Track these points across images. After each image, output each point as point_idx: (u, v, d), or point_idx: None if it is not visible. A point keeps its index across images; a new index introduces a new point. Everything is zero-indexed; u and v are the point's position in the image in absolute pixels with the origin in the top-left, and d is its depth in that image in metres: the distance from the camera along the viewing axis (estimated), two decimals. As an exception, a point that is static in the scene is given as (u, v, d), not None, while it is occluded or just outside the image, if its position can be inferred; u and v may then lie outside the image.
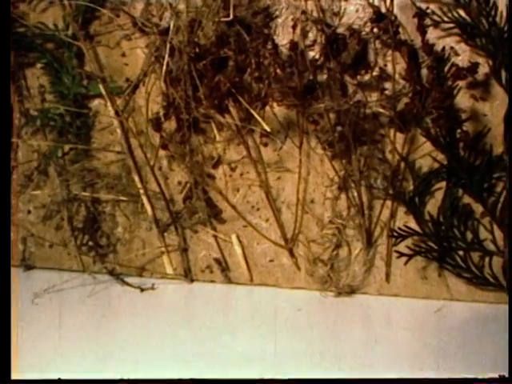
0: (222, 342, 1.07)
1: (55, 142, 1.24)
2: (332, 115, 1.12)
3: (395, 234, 1.13)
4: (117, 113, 1.21)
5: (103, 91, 1.21)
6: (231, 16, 1.07)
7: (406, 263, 1.14)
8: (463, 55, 1.09)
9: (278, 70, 1.08)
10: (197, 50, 1.09)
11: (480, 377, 0.91)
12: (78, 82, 1.22)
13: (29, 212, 1.30)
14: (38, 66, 1.25)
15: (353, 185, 1.15)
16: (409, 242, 1.14)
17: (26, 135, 1.27)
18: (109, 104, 1.22)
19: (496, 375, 0.91)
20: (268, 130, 1.11)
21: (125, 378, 0.92)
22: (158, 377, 0.94)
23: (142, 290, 1.23)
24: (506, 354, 0.98)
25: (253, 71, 1.09)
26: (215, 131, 1.19)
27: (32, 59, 1.24)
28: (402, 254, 1.13)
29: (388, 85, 1.11)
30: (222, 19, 1.08)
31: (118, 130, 1.23)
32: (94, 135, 1.26)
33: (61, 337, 1.08)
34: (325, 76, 1.12)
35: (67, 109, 1.22)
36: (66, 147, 1.25)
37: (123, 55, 1.21)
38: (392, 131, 1.12)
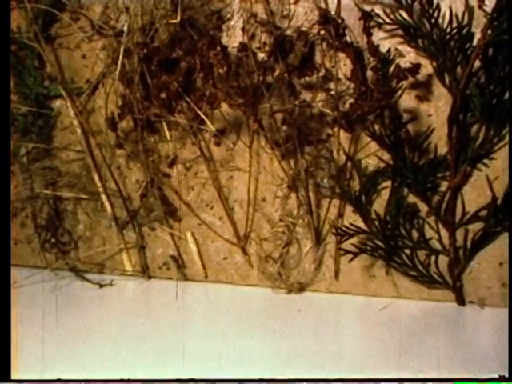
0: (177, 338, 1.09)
1: (18, 142, 1.27)
2: (279, 115, 1.14)
3: (340, 231, 1.14)
4: (76, 113, 1.24)
5: (63, 92, 1.24)
6: (178, 18, 1.10)
7: (350, 261, 1.15)
8: (408, 56, 1.10)
9: (221, 70, 1.10)
10: (145, 51, 1.11)
11: (480, 377, 0.92)
12: (40, 83, 1.25)
13: (-6, 210, 1.33)
14: (2, 67, 1.28)
15: (302, 184, 1.16)
16: (356, 240, 1.15)
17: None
18: (69, 104, 1.25)
19: (496, 375, 0.92)
20: (213, 129, 1.14)
21: (125, 378, 0.93)
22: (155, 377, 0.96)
23: (101, 285, 1.25)
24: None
25: (199, 72, 1.12)
26: (166, 131, 1.21)
27: (-5, 60, 1.27)
28: (346, 252, 1.14)
29: (334, 85, 1.13)
30: (170, 21, 1.11)
31: (78, 130, 1.25)
32: (55, 135, 1.29)
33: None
34: (272, 77, 1.14)
35: (29, 109, 1.25)
36: (29, 146, 1.28)
37: (83, 57, 1.24)
38: (338, 131, 1.13)
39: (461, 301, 1.15)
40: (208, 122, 1.13)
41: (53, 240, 1.31)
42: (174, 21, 1.10)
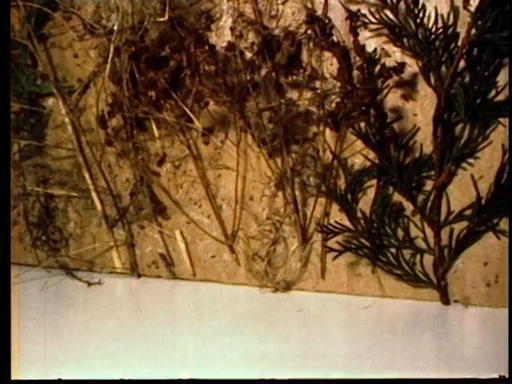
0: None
1: (11, 139, 1.28)
2: (266, 114, 1.15)
3: (325, 229, 1.15)
4: (68, 111, 1.25)
5: (55, 90, 1.25)
6: (166, 16, 1.11)
7: (334, 258, 1.16)
8: (394, 56, 1.11)
9: (208, 68, 1.11)
10: (133, 49, 1.13)
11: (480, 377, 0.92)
12: (32, 82, 1.27)
13: (-14, 207, 1.35)
14: (-5, 65, 1.29)
15: (288, 182, 1.17)
16: (341, 238, 1.16)
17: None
18: (61, 103, 1.26)
19: (496, 375, 0.92)
20: (200, 126, 1.15)
21: (125, 378, 0.93)
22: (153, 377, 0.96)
23: (90, 284, 1.26)
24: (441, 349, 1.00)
25: (185, 69, 1.13)
26: (154, 128, 1.22)
27: (-12, 59, 1.29)
28: (331, 250, 1.15)
29: (320, 84, 1.14)
30: (158, 19, 1.12)
31: (70, 128, 1.27)
32: (47, 133, 1.30)
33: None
34: (261, 75, 1.15)
35: (22, 107, 1.26)
36: (22, 144, 1.29)
37: (75, 56, 1.26)
38: (323, 129, 1.14)
39: (445, 300, 1.15)
40: (195, 120, 1.14)
41: (44, 237, 1.31)
42: (162, 19, 1.11)
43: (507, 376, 0.92)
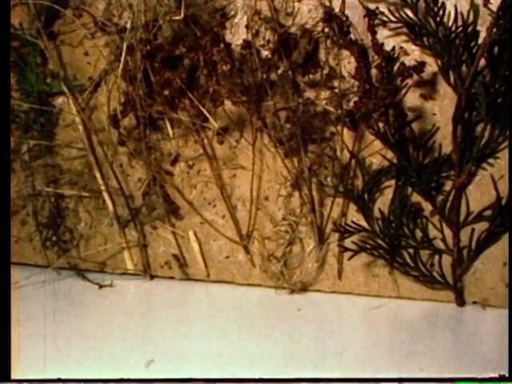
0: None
1: (20, 139, 1.26)
2: (284, 113, 1.14)
3: (341, 229, 1.14)
4: (78, 110, 1.23)
5: (65, 89, 1.23)
6: (182, 15, 1.09)
7: (350, 258, 1.15)
8: (413, 55, 1.10)
9: (225, 67, 1.09)
10: (148, 48, 1.11)
11: (480, 376, 0.92)
12: (42, 80, 1.24)
13: (-4, 207, 1.32)
14: (4, 64, 1.27)
15: (305, 182, 1.16)
16: (357, 238, 1.15)
17: (-9, 132, 1.29)
18: (71, 102, 1.24)
19: (496, 375, 0.92)
20: (216, 126, 1.13)
21: (125, 378, 0.93)
22: (146, 376, 0.96)
23: (101, 286, 1.25)
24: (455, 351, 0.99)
25: (202, 68, 1.11)
26: (169, 128, 1.20)
27: (-3, 57, 1.26)
28: (346, 249, 1.14)
29: (338, 83, 1.12)
30: (174, 18, 1.10)
31: (80, 127, 1.25)
32: (57, 132, 1.28)
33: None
34: (276, 74, 1.13)
35: (31, 106, 1.24)
36: (31, 143, 1.27)
37: (86, 54, 1.24)
38: (341, 129, 1.13)
39: (461, 301, 1.14)
40: (211, 119, 1.12)
41: (54, 238, 1.29)
42: (178, 17, 1.10)
43: (507, 375, 0.92)
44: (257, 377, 0.94)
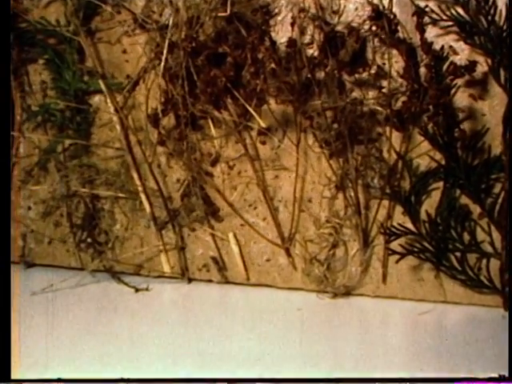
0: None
1: (55, 138, 1.24)
2: (329, 113, 1.11)
3: (388, 231, 1.11)
4: (116, 109, 1.21)
5: (103, 87, 1.21)
6: (228, 12, 1.07)
7: (397, 261, 1.13)
8: (462, 54, 1.08)
9: (273, 65, 1.07)
10: (193, 45, 1.09)
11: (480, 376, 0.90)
12: (79, 78, 1.22)
13: (29, 208, 1.30)
14: (40, 61, 1.25)
15: (350, 184, 1.13)
16: (404, 241, 1.12)
17: (27, 131, 1.27)
18: (109, 100, 1.22)
19: (496, 375, 0.91)
20: (263, 125, 1.11)
21: (125, 377, 0.91)
22: (155, 376, 0.94)
23: (137, 290, 1.22)
24: (502, 357, 0.97)
25: (249, 67, 1.09)
26: (212, 127, 1.18)
27: (34, 55, 1.24)
28: (394, 252, 1.12)
29: (386, 83, 1.10)
30: (220, 15, 1.08)
31: (118, 127, 1.23)
32: (93, 131, 1.26)
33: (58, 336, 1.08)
34: (322, 73, 1.11)
35: (68, 104, 1.22)
36: (66, 143, 1.25)
37: (124, 52, 1.22)
38: (389, 130, 1.11)
39: (508, 306, 1.12)
40: (258, 119, 1.10)
41: (89, 240, 1.27)
42: (224, 14, 1.07)
43: (507, 375, 0.91)
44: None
